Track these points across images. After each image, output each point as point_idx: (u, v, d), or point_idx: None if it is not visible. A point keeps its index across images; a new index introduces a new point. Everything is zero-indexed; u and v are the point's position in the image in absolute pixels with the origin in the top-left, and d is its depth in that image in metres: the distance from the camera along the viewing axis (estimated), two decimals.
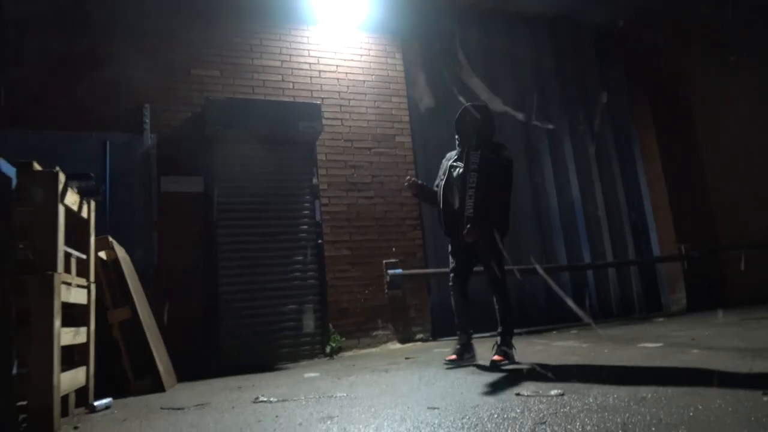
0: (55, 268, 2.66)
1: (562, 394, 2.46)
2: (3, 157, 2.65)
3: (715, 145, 7.92)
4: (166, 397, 3.45)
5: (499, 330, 3.83)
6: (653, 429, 1.76)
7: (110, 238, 3.86)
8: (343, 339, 5.37)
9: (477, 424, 2.03)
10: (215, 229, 5.12)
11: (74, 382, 2.94)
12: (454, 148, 4.16)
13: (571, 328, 6.08)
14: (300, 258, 5.38)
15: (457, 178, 3.84)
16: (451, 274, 3.97)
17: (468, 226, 3.68)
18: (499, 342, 3.78)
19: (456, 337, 4.10)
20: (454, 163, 3.95)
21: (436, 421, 2.15)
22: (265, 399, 3.02)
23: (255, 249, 5.20)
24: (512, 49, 7.37)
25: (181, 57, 5.44)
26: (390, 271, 5.73)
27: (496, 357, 3.67)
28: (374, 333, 5.57)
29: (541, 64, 7.55)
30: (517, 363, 3.66)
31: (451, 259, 3.99)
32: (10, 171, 2.53)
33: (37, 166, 2.73)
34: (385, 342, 5.61)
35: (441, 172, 4.03)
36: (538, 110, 7.36)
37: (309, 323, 5.24)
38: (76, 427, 2.64)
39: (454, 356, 3.85)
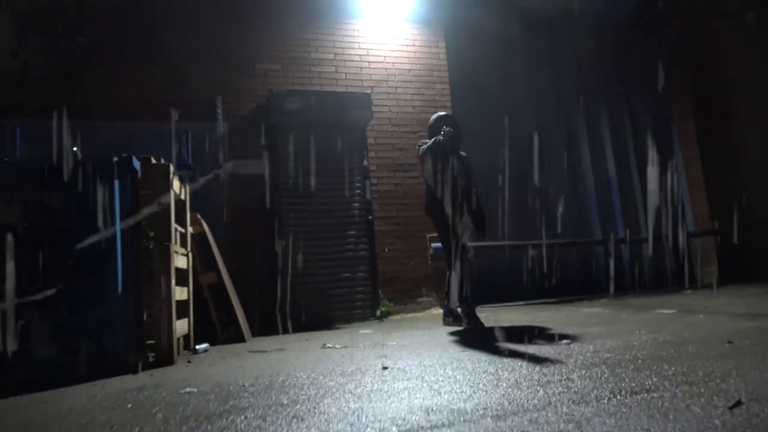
0: (170, 240, 3.48)
1: (569, 343, 3.13)
2: (104, 146, 3.43)
3: (752, 123, 8.21)
4: (249, 345, 4.29)
5: (464, 303, 4.59)
6: (631, 364, 2.42)
7: (198, 216, 4.69)
8: (391, 304, 6.13)
9: (495, 358, 2.74)
10: (278, 206, 5.92)
11: (181, 329, 3.78)
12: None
13: (602, 298, 6.67)
14: (353, 232, 6.14)
15: (464, 175, 4.63)
16: (451, 255, 4.59)
17: (469, 215, 4.57)
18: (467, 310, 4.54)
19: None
20: (449, 160, 4.61)
21: (465, 356, 2.87)
22: (330, 346, 3.80)
23: (313, 224, 5.99)
24: (551, 33, 7.81)
25: (247, 53, 6.19)
26: (433, 245, 6.43)
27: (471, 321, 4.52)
28: (419, 300, 6.30)
29: (579, 46, 7.96)
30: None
31: (444, 240, 4.63)
32: (137, 164, 3.33)
33: (153, 160, 3.54)
34: (429, 308, 6.34)
35: (439, 162, 4.59)
36: (577, 91, 7.82)
37: (361, 290, 6.02)
38: (189, 361, 3.47)
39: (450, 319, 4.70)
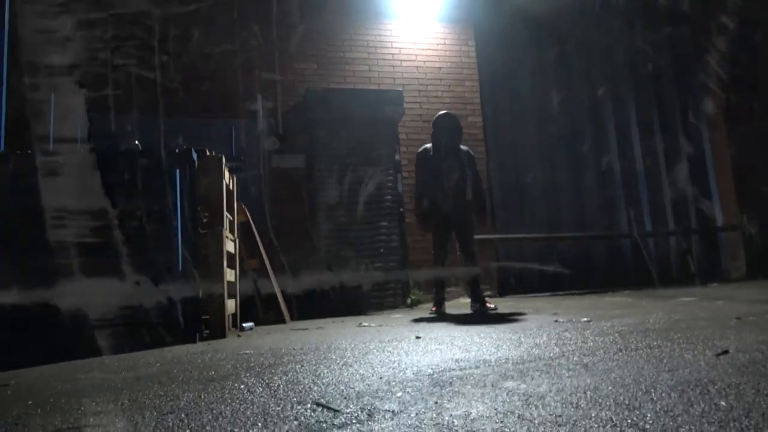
0: (222, 225, 3.86)
1: (589, 321, 3.41)
2: (160, 137, 3.81)
3: None
4: (289, 325, 4.66)
5: (475, 291, 5.08)
6: (641, 333, 2.71)
7: (243, 205, 5.08)
8: (421, 293, 6.45)
9: (517, 329, 3.05)
10: (314, 198, 6.29)
11: (230, 308, 4.17)
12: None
13: (627, 289, 6.89)
14: (385, 224, 6.48)
15: (451, 173, 5.00)
16: (441, 253, 5.08)
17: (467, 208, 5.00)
18: (478, 297, 5.02)
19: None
20: (444, 161, 5.02)
21: (491, 329, 3.18)
22: (366, 324, 4.15)
23: (347, 215, 6.34)
24: (583, 27, 7.98)
25: (285, 52, 6.58)
26: None
27: (490, 304, 4.95)
28: (448, 289, 6.60)
29: (612, 39, 8.11)
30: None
31: (440, 239, 5.07)
32: (195, 155, 3.72)
33: (208, 152, 3.92)
34: (458, 297, 6.64)
35: (433, 166, 5.03)
36: (608, 85, 8.00)
37: (392, 278, 6.36)
38: (239, 335, 3.85)
39: (435, 307, 5.08)
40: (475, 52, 7.41)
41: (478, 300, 4.97)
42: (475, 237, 6.76)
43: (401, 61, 7.02)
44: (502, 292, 6.85)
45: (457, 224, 5.02)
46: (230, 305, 4.10)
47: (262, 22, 6.54)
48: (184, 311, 3.51)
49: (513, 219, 7.20)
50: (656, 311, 3.79)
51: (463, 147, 5.16)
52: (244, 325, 4.32)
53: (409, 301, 6.32)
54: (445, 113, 5.23)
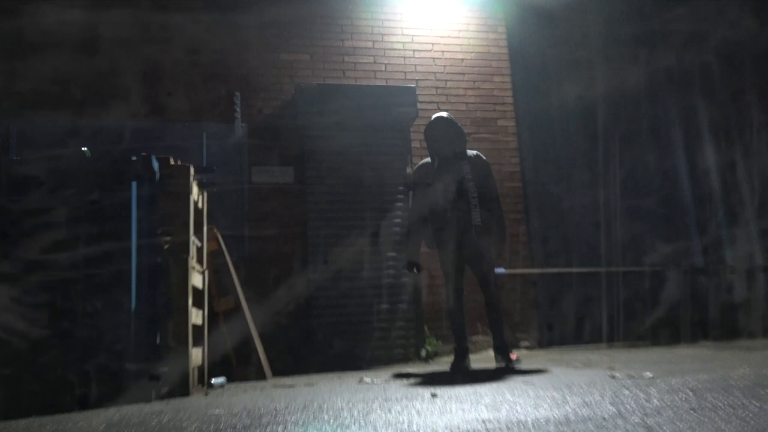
0: (188, 253, 3.85)
1: (654, 377, 3.36)
2: (110, 144, 3.83)
3: None
4: (272, 381, 4.61)
5: (497, 340, 4.95)
6: (722, 390, 2.66)
7: (215, 229, 5.08)
8: (439, 343, 6.38)
9: (561, 386, 3.00)
10: (306, 222, 6.28)
11: (196, 359, 4.13)
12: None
13: (705, 339, 6.82)
14: (393, 254, 6.45)
15: (454, 189, 4.98)
16: (454, 294, 5.02)
17: (480, 234, 4.93)
18: (500, 347, 4.91)
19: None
20: (441, 175, 5.03)
21: (527, 386, 3.13)
22: (369, 380, 4.10)
23: (346, 243, 6.32)
24: (639, 12, 8.05)
25: (270, 41, 6.64)
26: (494, 270, 6.69)
27: (513, 355, 4.88)
28: (473, 338, 6.54)
29: (671, 26, 8.16)
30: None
31: (450, 277, 5.04)
32: (156, 165, 3.73)
33: (172, 161, 3.94)
34: (486, 348, 6.57)
35: (429, 183, 5.05)
36: (671, 83, 8.02)
37: (402, 324, 6.31)
38: (206, 394, 3.82)
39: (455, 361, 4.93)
40: (507, 41, 7.44)
41: (500, 351, 4.87)
42: (505, 271, 6.77)
43: (414, 51, 7.06)
44: (544, 341, 6.78)
45: (468, 257, 5.00)
46: (196, 355, 4.07)
47: (241, 3, 6.62)
48: (136, 360, 3.48)
49: (555, 249, 7.15)
50: (741, 365, 3.74)
51: (470, 152, 5.17)
52: (213, 380, 4.28)
53: (424, 352, 6.26)
54: (438, 117, 5.20)
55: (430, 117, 5.32)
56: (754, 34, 8.32)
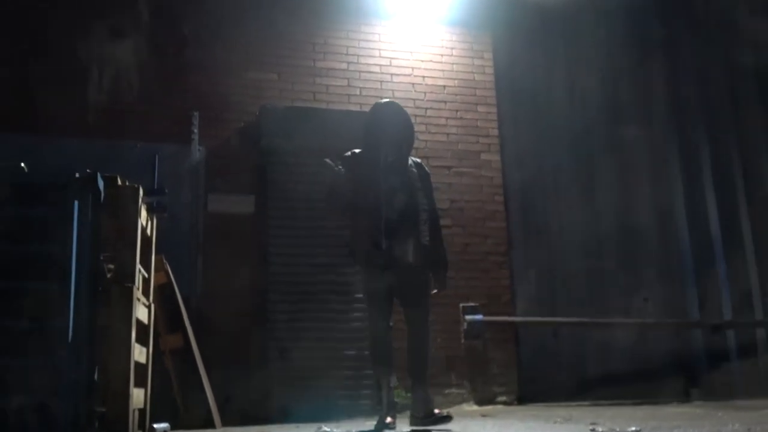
0: (134, 282, 3.88)
1: (639, 430, 3.43)
2: (52, 166, 3.84)
3: None
4: (221, 430, 4.61)
5: (419, 384, 4.60)
6: None
7: (163, 260, 5.10)
8: (409, 395, 6.40)
9: None
10: (267, 257, 6.32)
11: (138, 400, 4.13)
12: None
13: (697, 399, 6.90)
14: (362, 295, 6.48)
15: (394, 199, 4.61)
16: (379, 318, 4.65)
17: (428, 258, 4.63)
18: (421, 401, 4.51)
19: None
20: (384, 179, 4.63)
21: None
22: (328, 429, 4.12)
23: (312, 282, 6.36)
24: (639, 39, 8.24)
25: (235, 57, 6.74)
26: (468, 317, 6.75)
27: (437, 411, 4.47)
28: (446, 391, 6.58)
29: (676, 55, 8.35)
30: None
31: (374, 297, 4.68)
32: (101, 184, 3.77)
33: (120, 181, 3.98)
34: (459, 402, 6.61)
35: (362, 175, 4.63)
36: (672, 116, 8.20)
37: (370, 373, 6.31)
38: None
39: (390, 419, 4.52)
40: (493, 68, 7.61)
41: (421, 405, 4.46)
42: (486, 318, 6.83)
43: (392, 75, 7.21)
44: (524, 396, 6.83)
45: (401, 283, 4.57)
46: (138, 396, 4.06)
47: (203, 15, 6.71)
48: (68, 401, 3.47)
49: (541, 297, 7.24)
50: (732, 422, 3.81)
51: (413, 159, 4.90)
52: (155, 425, 4.27)
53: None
54: (388, 102, 5.03)
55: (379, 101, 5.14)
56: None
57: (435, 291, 4.86)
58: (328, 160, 4.68)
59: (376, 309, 4.66)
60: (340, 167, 4.65)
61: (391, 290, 4.60)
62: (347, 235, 5.03)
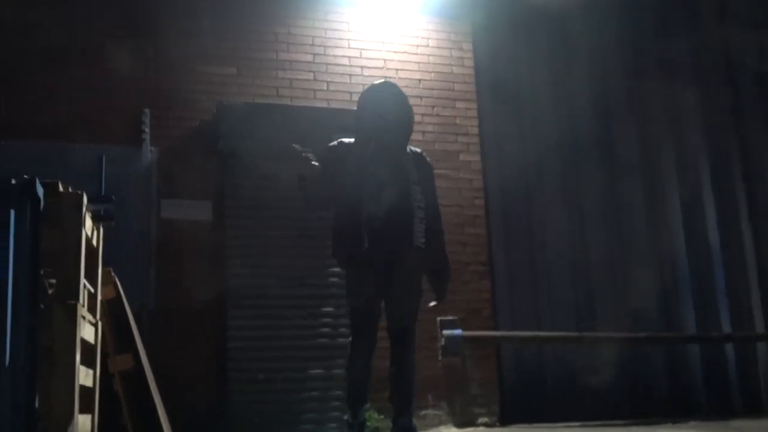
0: (78, 298, 3.90)
1: None
2: None
3: None
4: None
5: (403, 419, 4.45)
6: None
7: (112, 272, 5.12)
8: (382, 417, 6.44)
9: None
10: (226, 268, 6.35)
11: (84, 428, 4.14)
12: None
13: (694, 418, 7.00)
14: (331, 309, 6.55)
15: (385, 192, 4.47)
16: (360, 349, 4.58)
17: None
18: (402, 414, 4.46)
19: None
20: (376, 169, 4.53)
21: None
22: None
23: (275, 296, 6.40)
24: (635, 29, 8.30)
25: (189, 49, 6.73)
26: (446, 332, 6.80)
27: None
28: (423, 412, 6.63)
29: (671, 49, 8.41)
30: None
31: (357, 309, 4.58)
32: (40, 191, 3.79)
33: (62, 187, 4.00)
34: (437, 425, 6.68)
35: (354, 176, 4.53)
36: (669, 118, 8.29)
37: (339, 393, 6.37)
38: None
39: None
40: (473, 60, 7.66)
41: (403, 422, 4.38)
42: (465, 333, 6.88)
43: (362, 68, 7.25)
44: (506, 417, 6.90)
45: (391, 286, 4.47)
46: (84, 423, 4.08)
47: (154, 4, 6.70)
48: (7, 431, 3.49)
49: (525, 310, 7.32)
50: None
51: (412, 149, 4.80)
52: None
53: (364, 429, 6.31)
54: (383, 82, 4.93)
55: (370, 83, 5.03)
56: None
57: (433, 303, 4.81)
58: (296, 146, 4.72)
59: (359, 331, 4.55)
60: (314, 162, 4.59)
61: (375, 301, 4.51)
62: (329, 234, 4.88)
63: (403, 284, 4.47)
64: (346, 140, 4.72)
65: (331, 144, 4.78)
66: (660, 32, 8.40)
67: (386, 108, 4.60)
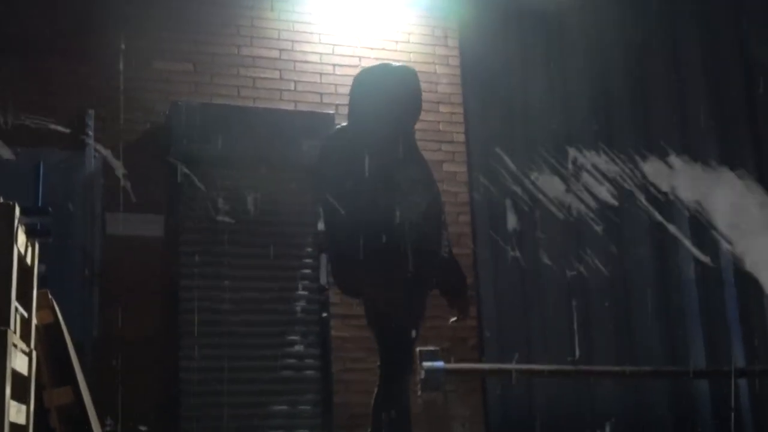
0: (8, 324, 3.88)
1: None
2: None
3: None
4: None
5: None
6: None
7: (49, 295, 5.09)
8: None
9: None
10: (178, 290, 6.32)
11: None
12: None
13: None
14: (295, 338, 6.54)
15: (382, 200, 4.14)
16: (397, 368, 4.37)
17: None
18: None
19: None
20: (372, 175, 4.17)
21: None
22: None
23: (232, 322, 6.37)
24: (638, 24, 8.36)
25: (140, 43, 6.69)
26: (426, 364, 6.77)
27: None
28: None
29: (679, 53, 8.49)
30: None
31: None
32: None
33: None
34: None
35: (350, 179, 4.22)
36: (675, 126, 8.35)
37: None
38: None
39: None
40: (459, 59, 7.66)
41: None
42: (448, 366, 6.86)
43: (335, 66, 7.25)
44: None
45: (384, 306, 4.25)
46: None
47: None
48: None
49: (514, 340, 7.33)
50: None
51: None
52: None
53: None
54: (385, 65, 4.89)
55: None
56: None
57: (455, 319, 4.66)
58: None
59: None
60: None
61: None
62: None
63: (394, 300, 4.20)
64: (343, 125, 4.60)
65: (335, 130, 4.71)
66: (667, 30, 8.44)
67: (383, 92, 4.34)
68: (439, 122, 7.47)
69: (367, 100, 4.39)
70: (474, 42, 7.76)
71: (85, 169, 6.32)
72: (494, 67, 7.75)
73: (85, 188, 6.31)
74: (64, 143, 6.35)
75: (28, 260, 4.53)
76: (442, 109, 7.51)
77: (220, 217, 6.49)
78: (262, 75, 7.03)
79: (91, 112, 6.42)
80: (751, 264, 7.75)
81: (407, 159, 4.31)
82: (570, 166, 7.74)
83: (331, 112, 6.90)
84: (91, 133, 6.38)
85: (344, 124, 4.60)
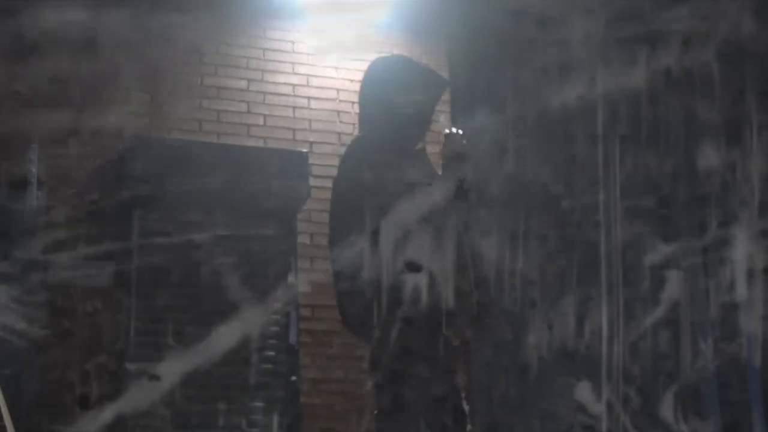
0: None
1: None
2: None
3: None
4: None
5: None
6: None
7: None
8: None
9: None
10: (127, 347, 6.30)
11: None
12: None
13: None
14: (260, 404, 6.52)
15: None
16: None
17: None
18: None
19: None
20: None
21: None
22: None
23: (188, 394, 6.32)
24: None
25: (88, 71, 6.71)
26: None
27: None
28: None
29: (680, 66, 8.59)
30: None
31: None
32: None
33: None
34: None
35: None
36: (680, 141, 8.44)
37: None
38: None
39: None
40: (449, 93, 7.74)
41: None
42: None
43: (309, 99, 7.28)
44: None
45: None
46: None
47: (49, 14, 6.69)
48: None
49: (508, 397, 7.32)
50: None
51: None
52: None
53: None
54: (401, 57, 4.96)
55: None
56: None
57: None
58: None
59: None
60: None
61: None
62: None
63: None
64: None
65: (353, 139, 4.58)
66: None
67: (398, 90, 4.17)
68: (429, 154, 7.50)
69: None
70: (465, 69, 7.84)
71: (26, 210, 6.30)
72: (487, 96, 7.74)
73: (26, 231, 6.27)
74: (4, 181, 6.30)
75: None
76: (429, 148, 7.54)
77: (175, 263, 6.45)
78: (228, 108, 7.03)
79: (35, 146, 6.40)
80: None
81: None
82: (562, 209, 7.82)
83: (305, 150, 6.88)
84: (34, 170, 6.34)
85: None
